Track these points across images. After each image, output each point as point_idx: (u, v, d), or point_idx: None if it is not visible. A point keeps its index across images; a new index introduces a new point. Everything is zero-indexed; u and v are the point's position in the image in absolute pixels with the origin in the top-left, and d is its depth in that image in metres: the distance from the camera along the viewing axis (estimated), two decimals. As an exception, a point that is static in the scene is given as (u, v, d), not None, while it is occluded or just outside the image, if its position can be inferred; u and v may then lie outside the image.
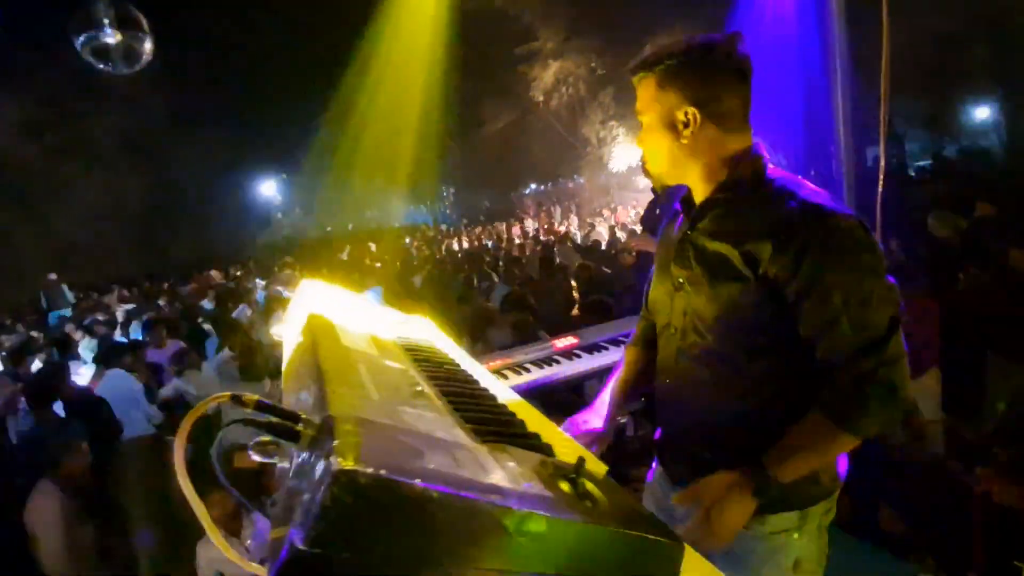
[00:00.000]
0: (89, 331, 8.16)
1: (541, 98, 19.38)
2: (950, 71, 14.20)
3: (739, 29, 1.41)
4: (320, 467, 0.62)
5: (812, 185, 1.36)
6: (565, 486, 0.81)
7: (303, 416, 0.84)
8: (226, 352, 5.84)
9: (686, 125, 1.34)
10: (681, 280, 1.45)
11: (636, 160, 18.47)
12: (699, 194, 1.45)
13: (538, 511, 0.70)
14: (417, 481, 0.62)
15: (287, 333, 1.64)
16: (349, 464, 0.60)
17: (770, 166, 1.40)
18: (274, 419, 0.79)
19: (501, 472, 0.75)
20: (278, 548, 0.60)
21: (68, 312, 11.41)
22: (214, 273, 15.61)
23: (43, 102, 16.98)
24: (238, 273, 15.63)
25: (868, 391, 1.23)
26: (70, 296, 12.59)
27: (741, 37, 1.36)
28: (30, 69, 16.27)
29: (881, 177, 4.46)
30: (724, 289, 1.33)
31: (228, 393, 0.84)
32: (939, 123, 16.84)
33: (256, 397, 0.84)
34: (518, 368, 2.68)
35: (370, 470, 0.60)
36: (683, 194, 1.53)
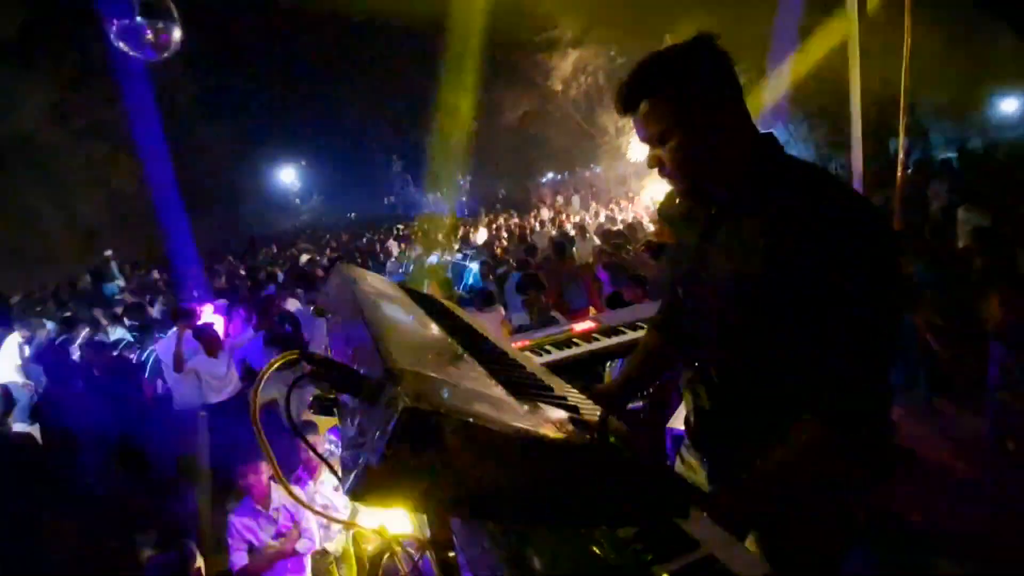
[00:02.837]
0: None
1: (560, 87, 19.36)
2: (975, 63, 13.98)
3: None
4: (388, 407, 0.74)
5: (831, 175, 1.37)
6: (590, 436, 0.93)
7: (360, 371, 0.97)
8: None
9: (705, 128, 1.34)
10: (702, 281, 1.46)
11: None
12: (719, 193, 1.43)
13: (569, 453, 0.82)
14: (469, 419, 0.74)
15: (328, 307, 1.77)
16: (413, 403, 0.72)
17: (785, 154, 1.40)
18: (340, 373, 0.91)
19: (536, 421, 0.87)
20: (354, 469, 0.72)
21: (118, 286, 12.11)
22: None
23: (70, 86, 17.29)
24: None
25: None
26: (117, 272, 13.38)
27: (713, 36, 1.36)
28: (57, 54, 16.57)
29: (899, 170, 4.49)
30: (745, 288, 1.34)
31: (296, 351, 0.96)
32: (964, 115, 16.60)
33: (322, 354, 0.96)
34: (538, 349, 2.79)
35: (431, 408, 0.72)
36: (698, 195, 1.50)
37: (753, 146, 1.40)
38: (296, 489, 3.82)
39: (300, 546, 3.80)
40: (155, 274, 14.55)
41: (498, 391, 0.98)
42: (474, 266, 9.36)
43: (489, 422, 0.75)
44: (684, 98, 1.32)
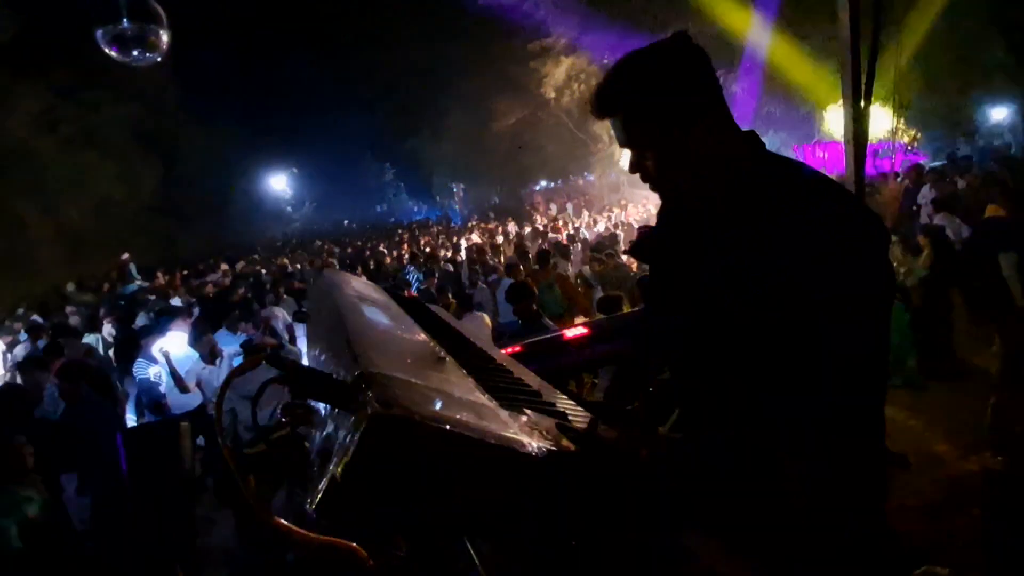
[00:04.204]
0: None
1: (552, 94, 19.36)
2: (966, 71, 14.09)
3: None
4: (357, 413, 0.68)
5: (818, 174, 1.30)
6: (577, 445, 0.87)
7: (333, 376, 0.90)
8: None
9: (679, 138, 1.26)
10: (685, 303, 1.37)
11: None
12: (704, 201, 1.34)
13: (553, 464, 0.76)
14: (446, 426, 0.68)
15: (310, 310, 1.71)
16: (383, 409, 0.66)
17: (769, 153, 1.32)
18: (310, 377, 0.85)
19: (520, 429, 0.81)
20: (320, 482, 0.66)
21: (139, 286, 12.17)
22: (224, 267, 15.79)
23: (58, 94, 17.19)
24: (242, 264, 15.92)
25: None
26: (135, 273, 13.50)
27: (688, 34, 1.29)
28: (45, 61, 16.47)
29: (892, 177, 4.47)
30: (733, 300, 1.26)
31: (263, 354, 0.90)
32: (955, 123, 16.72)
33: (290, 358, 0.90)
34: (529, 355, 2.73)
35: (403, 414, 0.66)
36: (680, 211, 1.43)
37: (735, 148, 1.31)
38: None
39: (288, 558, 3.71)
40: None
41: (481, 397, 0.92)
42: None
43: (468, 430, 0.69)
44: (652, 111, 1.25)
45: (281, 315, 6.80)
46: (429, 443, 0.67)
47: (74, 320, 8.52)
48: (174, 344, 5.45)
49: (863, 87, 4.12)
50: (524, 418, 0.88)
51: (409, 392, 0.73)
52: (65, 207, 17.72)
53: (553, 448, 0.78)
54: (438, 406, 0.73)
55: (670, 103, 1.25)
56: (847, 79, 4.06)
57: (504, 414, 0.85)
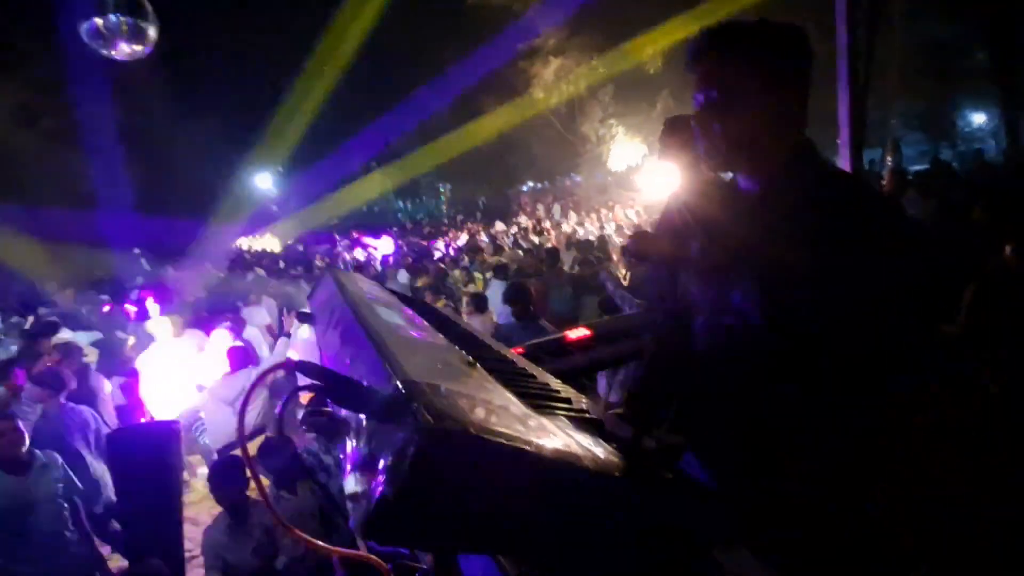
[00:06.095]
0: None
1: (541, 95, 19.33)
2: (949, 75, 14.29)
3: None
4: (404, 426, 0.63)
5: (870, 185, 1.36)
6: (632, 459, 0.83)
7: (364, 384, 0.86)
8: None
9: (767, 105, 1.26)
10: (734, 277, 1.36)
11: (635, 159, 18.45)
12: (760, 182, 1.34)
13: (609, 473, 0.72)
14: (501, 440, 0.63)
15: (317, 314, 1.65)
16: (436, 422, 0.62)
17: (824, 160, 1.34)
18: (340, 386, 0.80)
19: (568, 438, 0.77)
20: (364, 501, 0.61)
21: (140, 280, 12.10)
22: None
23: (38, 89, 16.86)
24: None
25: None
26: (147, 266, 13.51)
27: (805, 33, 1.30)
28: (25, 55, 16.15)
29: (889, 180, 4.49)
30: (779, 282, 1.25)
31: (293, 360, 0.85)
32: (937, 127, 16.96)
33: (320, 365, 0.85)
34: (532, 358, 2.68)
35: (458, 428, 0.61)
36: (722, 183, 1.45)
37: (797, 144, 1.32)
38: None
39: (279, 563, 3.65)
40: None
41: (521, 405, 0.87)
42: None
43: (523, 443, 0.65)
44: (760, 65, 1.25)
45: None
46: (484, 457, 0.62)
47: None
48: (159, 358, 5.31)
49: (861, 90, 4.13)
50: (567, 428, 0.84)
51: (457, 402, 0.69)
52: (45, 206, 17.37)
53: (604, 460, 0.74)
54: (485, 416, 0.69)
55: (772, 70, 1.24)
56: (843, 84, 4.07)
57: (548, 423, 0.80)
